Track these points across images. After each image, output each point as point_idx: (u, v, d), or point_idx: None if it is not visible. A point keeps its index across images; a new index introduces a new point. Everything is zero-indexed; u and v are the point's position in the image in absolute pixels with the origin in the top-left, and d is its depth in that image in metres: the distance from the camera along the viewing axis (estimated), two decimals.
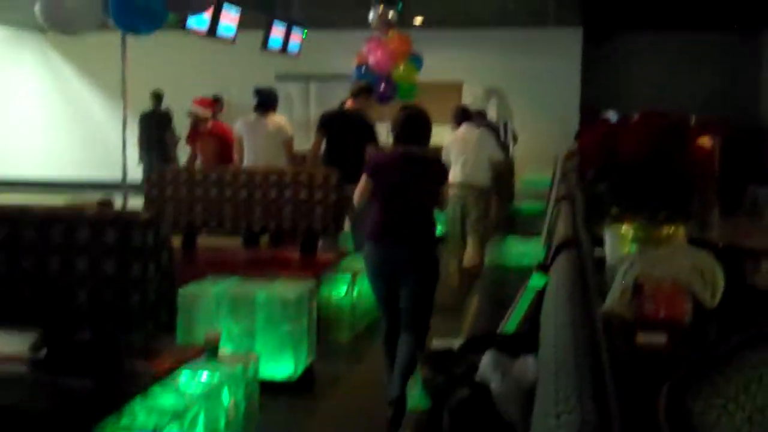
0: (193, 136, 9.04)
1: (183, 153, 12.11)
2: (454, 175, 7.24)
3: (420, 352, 4.12)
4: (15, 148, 15.95)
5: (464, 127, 7.95)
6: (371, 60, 9.04)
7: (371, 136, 7.20)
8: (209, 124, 9.18)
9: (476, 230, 7.74)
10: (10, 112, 16.14)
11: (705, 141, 3.20)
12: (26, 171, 15.54)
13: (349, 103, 7.43)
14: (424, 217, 4.71)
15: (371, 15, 9.16)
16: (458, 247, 7.77)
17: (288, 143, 7.51)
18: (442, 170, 4.99)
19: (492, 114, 11.15)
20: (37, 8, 4.48)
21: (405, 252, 4.58)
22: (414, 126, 4.65)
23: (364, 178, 4.69)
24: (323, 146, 7.32)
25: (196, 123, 9.14)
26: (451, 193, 6.61)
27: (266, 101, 7.47)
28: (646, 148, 2.69)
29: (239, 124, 7.68)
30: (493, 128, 9.94)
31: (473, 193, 7.67)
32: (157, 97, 12.46)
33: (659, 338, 1.98)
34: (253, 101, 7.54)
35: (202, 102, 9.42)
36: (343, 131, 7.17)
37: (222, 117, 10.34)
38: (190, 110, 9.58)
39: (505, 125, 11.58)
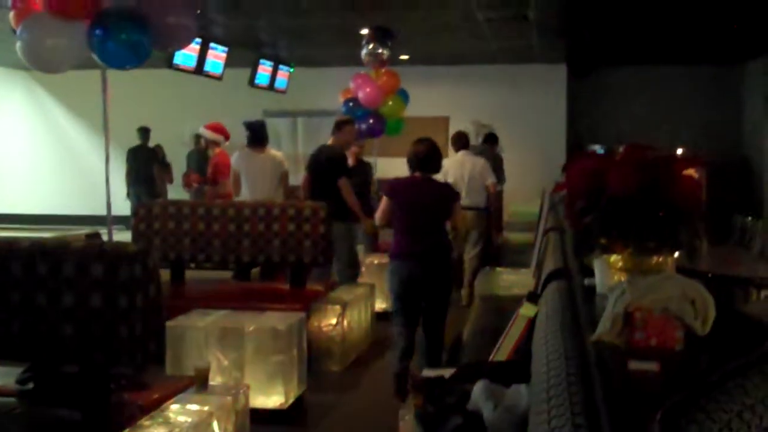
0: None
1: (177, 185, 12.16)
2: None
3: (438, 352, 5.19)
4: (2, 184, 15.90)
5: (462, 154, 8.71)
6: (360, 95, 9.10)
7: (343, 170, 7.22)
8: (217, 151, 9.30)
9: (475, 250, 8.39)
10: None
11: (692, 172, 3.24)
12: (13, 207, 15.48)
13: (331, 140, 7.44)
14: (440, 233, 5.33)
15: (363, 52, 9.22)
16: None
17: (285, 177, 7.62)
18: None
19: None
20: (18, 47, 4.49)
21: (428, 267, 5.17)
22: (429, 157, 5.28)
23: (384, 200, 5.35)
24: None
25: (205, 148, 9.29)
26: None
27: (261, 135, 7.51)
28: (634, 180, 2.72)
29: (236, 157, 7.70)
30: (497, 157, 10.10)
31: (473, 213, 8.19)
32: (145, 132, 12.47)
33: (651, 366, 1.99)
34: (245, 135, 7.57)
35: (213, 127, 9.53)
36: (321, 168, 7.23)
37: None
38: (199, 133, 9.72)
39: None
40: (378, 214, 5.47)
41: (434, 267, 5.19)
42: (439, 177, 5.90)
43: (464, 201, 7.48)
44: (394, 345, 5.43)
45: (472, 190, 8.31)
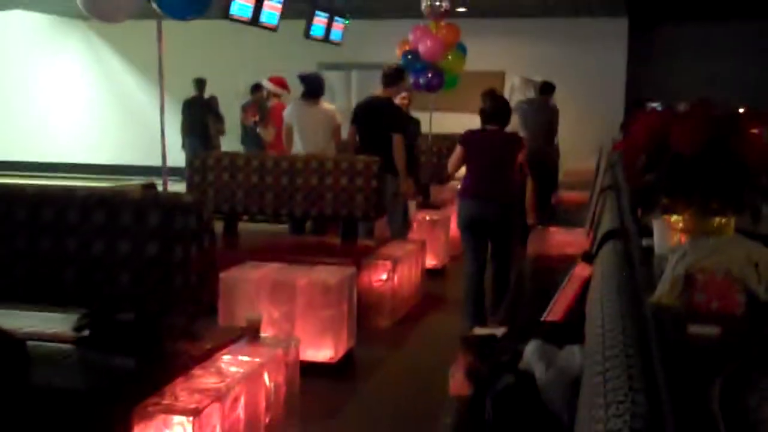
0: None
1: (230, 138, 12.22)
2: None
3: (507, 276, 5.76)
4: (59, 134, 16.16)
5: None
6: (421, 48, 8.95)
7: (399, 124, 7.09)
8: (275, 102, 9.38)
9: None
10: (56, 97, 16.35)
11: (756, 131, 3.13)
12: (70, 156, 15.75)
13: (381, 91, 7.29)
14: (507, 179, 5.78)
15: (423, 3, 9.06)
16: None
17: (337, 130, 7.51)
18: (520, 140, 6.08)
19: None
20: None
21: (493, 206, 5.72)
22: (497, 112, 5.91)
23: (458, 148, 5.88)
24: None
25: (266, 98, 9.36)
26: None
27: (315, 88, 7.40)
28: (699, 138, 2.62)
29: (289, 110, 7.65)
30: (553, 109, 9.92)
31: None
32: (200, 83, 12.50)
33: (712, 330, 1.93)
34: (300, 88, 7.51)
35: (277, 81, 9.61)
36: (372, 120, 7.07)
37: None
38: (263, 84, 9.83)
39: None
40: (452, 160, 6.01)
41: (497, 207, 5.72)
42: None
43: None
44: (464, 295, 5.97)
45: None
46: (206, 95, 12.57)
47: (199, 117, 12.21)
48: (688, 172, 2.47)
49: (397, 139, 6.94)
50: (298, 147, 7.32)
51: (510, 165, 5.80)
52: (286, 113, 7.64)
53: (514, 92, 10.26)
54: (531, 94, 10.59)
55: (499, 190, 5.72)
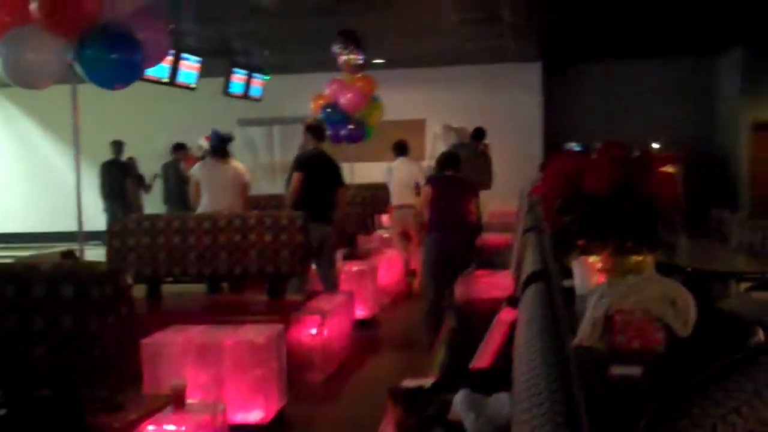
0: None
1: (149, 201, 12.04)
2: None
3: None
4: None
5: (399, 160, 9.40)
6: (342, 101, 9.00)
7: (342, 178, 7.34)
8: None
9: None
10: None
11: (668, 168, 3.20)
12: None
13: (316, 144, 7.30)
14: (464, 217, 6.85)
15: (342, 58, 9.12)
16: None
17: (246, 188, 7.62)
18: (474, 186, 7.32)
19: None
20: None
21: (455, 239, 6.69)
22: (452, 159, 7.10)
23: (426, 190, 6.98)
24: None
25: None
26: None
27: (223, 146, 7.46)
28: (610, 180, 2.67)
29: (198, 168, 7.64)
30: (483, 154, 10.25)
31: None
32: (117, 146, 12.33)
33: (634, 370, 1.93)
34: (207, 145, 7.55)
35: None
36: (320, 173, 7.15)
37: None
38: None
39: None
40: (423, 202, 7.01)
41: (462, 239, 6.75)
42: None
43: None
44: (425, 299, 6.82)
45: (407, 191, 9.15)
46: (124, 157, 12.39)
47: (118, 180, 11.99)
48: (600, 213, 2.50)
49: (342, 192, 7.27)
50: (204, 204, 7.27)
51: (466, 204, 6.94)
52: (194, 171, 7.61)
53: (438, 140, 10.41)
54: (453, 140, 10.74)
55: (460, 225, 6.78)
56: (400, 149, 9.45)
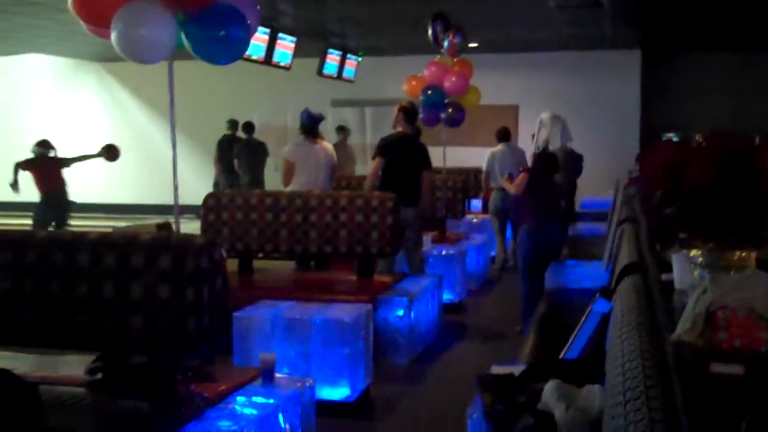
0: None
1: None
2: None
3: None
4: (79, 174, 16.23)
5: (501, 145, 9.98)
6: (447, 84, 8.95)
7: (429, 162, 7.25)
8: None
9: None
10: (73, 136, 16.48)
11: None
12: (90, 196, 15.82)
13: (403, 128, 7.29)
14: (558, 207, 7.36)
15: (446, 42, 9.07)
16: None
17: (335, 168, 7.72)
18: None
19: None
20: (113, 37, 4.43)
21: (556, 230, 7.04)
22: (553, 163, 7.36)
23: (524, 176, 7.20)
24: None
25: None
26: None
27: (315, 126, 7.53)
28: (715, 172, 2.59)
29: (291, 148, 7.73)
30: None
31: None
32: (233, 124, 12.72)
33: (735, 369, 1.87)
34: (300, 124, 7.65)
35: None
36: (405, 157, 7.10)
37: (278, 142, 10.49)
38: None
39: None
40: (518, 186, 7.19)
41: (560, 232, 7.26)
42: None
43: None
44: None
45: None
46: (222, 135, 12.74)
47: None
48: (704, 206, 2.43)
49: (429, 176, 7.18)
50: (300, 184, 7.35)
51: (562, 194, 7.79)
52: (288, 151, 7.70)
53: (543, 128, 10.28)
54: (557, 129, 10.56)
55: (557, 214, 7.24)
56: (503, 135, 10.00)
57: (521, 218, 7.29)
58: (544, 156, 7.64)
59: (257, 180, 12.22)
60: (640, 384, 1.84)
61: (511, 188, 7.47)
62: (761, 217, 2.63)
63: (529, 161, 9.45)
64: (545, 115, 10.50)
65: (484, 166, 10.00)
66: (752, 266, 2.54)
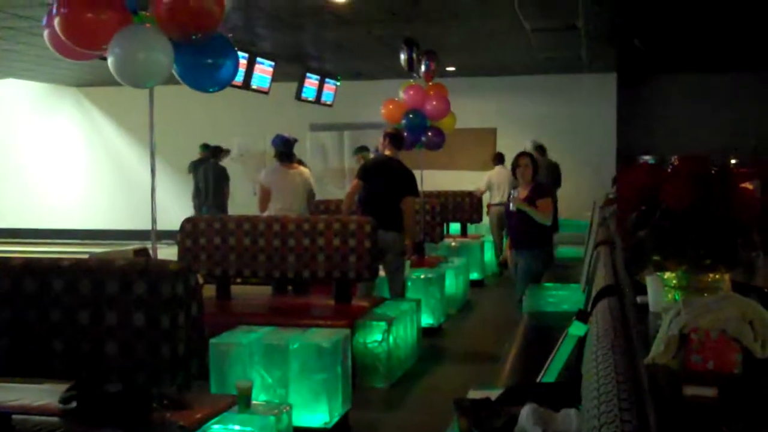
0: None
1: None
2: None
3: None
4: (54, 201, 16.14)
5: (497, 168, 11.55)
6: (427, 107, 8.99)
7: (414, 188, 7.23)
8: None
9: None
10: (51, 161, 16.40)
11: (747, 184, 3.11)
12: (65, 221, 15.72)
13: (389, 152, 7.28)
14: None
15: (422, 67, 9.14)
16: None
17: (313, 193, 7.74)
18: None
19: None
20: (110, 61, 4.41)
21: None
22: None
23: (549, 202, 7.06)
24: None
25: None
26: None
27: (289, 150, 7.54)
28: (689, 194, 2.60)
29: (266, 173, 7.73)
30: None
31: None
32: (206, 148, 12.72)
33: (708, 391, 1.87)
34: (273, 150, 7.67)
35: None
36: (386, 180, 7.09)
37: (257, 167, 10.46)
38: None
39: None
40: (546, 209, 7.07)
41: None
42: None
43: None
44: None
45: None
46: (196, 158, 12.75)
47: (213, 181, 12.36)
48: (679, 228, 2.44)
49: (408, 202, 7.07)
50: (276, 209, 7.34)
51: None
52: (263, 177, 7.70)
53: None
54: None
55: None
56: (498, 159, 11.75)
57: (542, 241, 7.02)
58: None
59: (219, 204, 12.22)
60: (614, 408, 1.84)
61: (543, 216, 6.87)
62: (735, 240, 2.65)
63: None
64: (528, 144, 10.90)
65: (482, 186, 11.47)
66: (726, 288, 2.55)
